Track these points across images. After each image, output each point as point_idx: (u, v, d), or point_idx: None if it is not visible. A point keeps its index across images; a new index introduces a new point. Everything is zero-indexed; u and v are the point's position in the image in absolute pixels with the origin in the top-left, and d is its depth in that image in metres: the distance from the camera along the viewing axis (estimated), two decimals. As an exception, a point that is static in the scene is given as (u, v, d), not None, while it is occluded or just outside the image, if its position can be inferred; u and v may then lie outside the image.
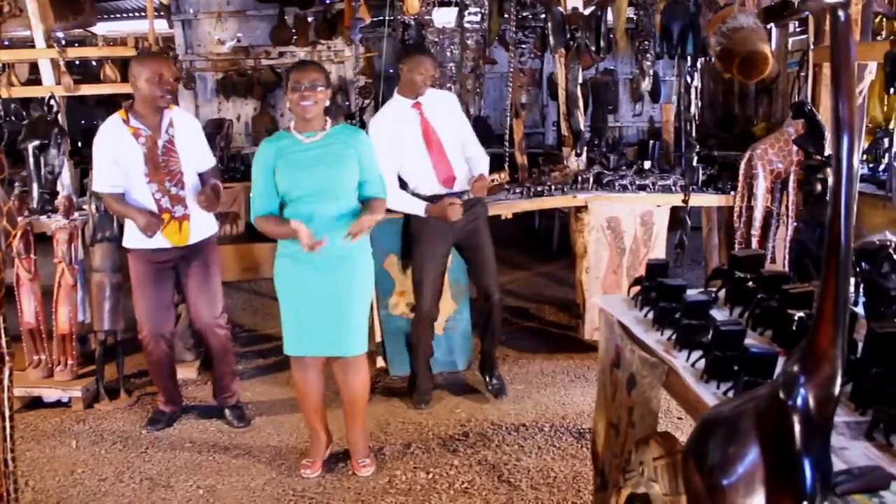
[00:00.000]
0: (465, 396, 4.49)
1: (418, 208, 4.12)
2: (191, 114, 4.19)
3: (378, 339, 4.72)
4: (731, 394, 2.01)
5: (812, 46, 4.58)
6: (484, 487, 3.51)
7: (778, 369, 1.99)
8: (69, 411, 4.38)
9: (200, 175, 4.02)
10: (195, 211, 3.93)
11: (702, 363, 2.17)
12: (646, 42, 4.78)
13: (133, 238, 3.95)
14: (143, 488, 3.57)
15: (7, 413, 2.59)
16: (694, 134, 4.66)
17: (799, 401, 1.44)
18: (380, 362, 4.78)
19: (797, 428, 1.44)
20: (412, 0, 4.94)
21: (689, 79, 4.41)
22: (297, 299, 3.44)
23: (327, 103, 3.41)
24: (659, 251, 4.84)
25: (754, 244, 4.71)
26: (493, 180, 4.21)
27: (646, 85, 4.99)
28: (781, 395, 1.46)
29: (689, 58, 4.59)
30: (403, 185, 4.26)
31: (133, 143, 3.82)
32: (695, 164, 4.66)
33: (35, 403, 4.46)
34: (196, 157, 3.99)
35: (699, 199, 5.01)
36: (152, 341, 4.00)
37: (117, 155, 3.84)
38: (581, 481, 3.55)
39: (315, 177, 3.33)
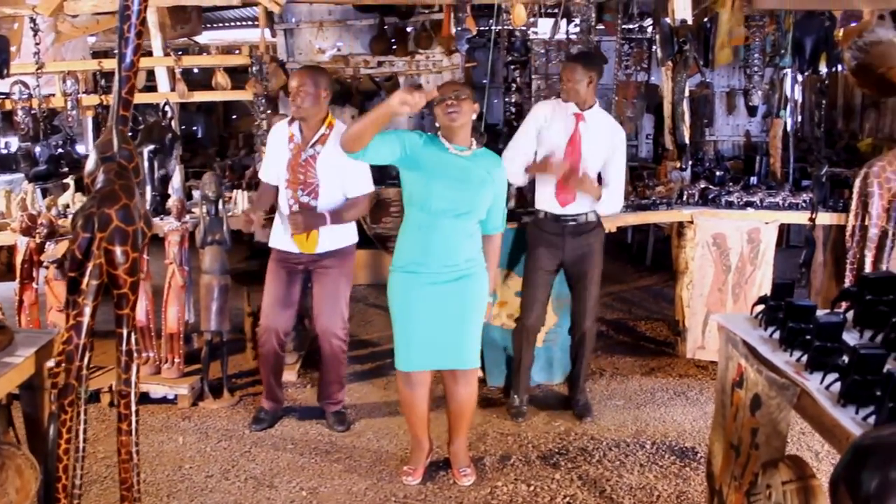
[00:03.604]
0: (564, 410, 4.45)
1: (519, 177, 4.17)
2: None
3: (476, 348, 4.72)
4: (871, 419, 1.94)
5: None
6: (586, 503, 3.46)
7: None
8: (175, 408, 4.51)
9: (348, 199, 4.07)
10: None
11: (837, 386, 2.10)
12: (774, 55, 4.66)
13: (272, 237, 4.17)
14: (247, 487, 3.64)
15: (134, 407, 2.68)
16: (823, 151, 4.52)
17: (973, 431, 1.37)
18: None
19: (970, 459, 1.38)
20: (519, 10, 4.94)
21: (818, 94, 4.27)
22: (413, 314, 3.43)
23: (473, 117, 3.40)
24: (766, 270, 4.71)
25: (868, 265, 4.54)
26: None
27: (757, 99, 4.88)
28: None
29: (813, 73, 4.45)
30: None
31: (285, 146, 4.01)
32: (823, 181, 4.51)
33: (142, 399, 4.59)
34: (342, 178, 4.00)
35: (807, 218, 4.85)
36: (265, 334, 4.12)
37: (276, 153, 4.06)
38: (686, 502, 3.47)
39: (455, 191, 3.33)
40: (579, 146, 4.08)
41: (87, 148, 8.30)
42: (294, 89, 3.89)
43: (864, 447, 1.59)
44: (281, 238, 4.11)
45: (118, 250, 2.46)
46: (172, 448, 4.03)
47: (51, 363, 2.66)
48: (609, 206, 4.15)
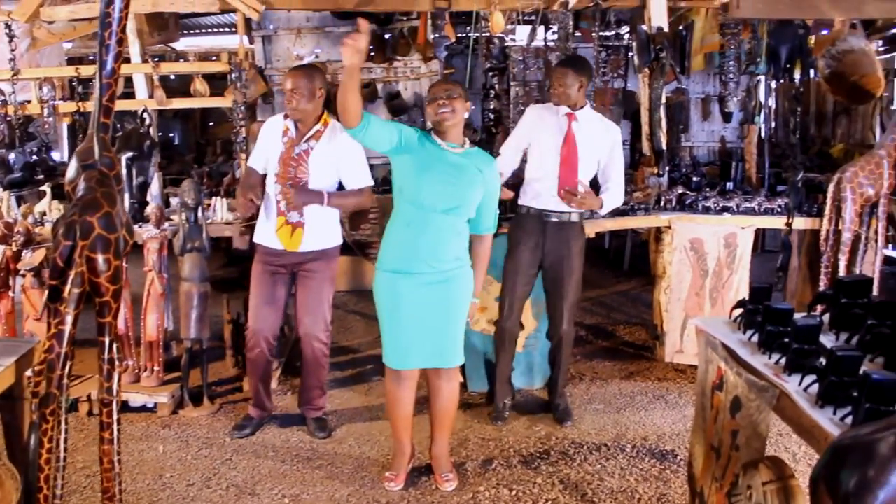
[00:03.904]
0: (544, 414, 4.47)
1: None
2: None
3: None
4: (848, 420, 1.97)
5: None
6: (568, 507, 3.50)
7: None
8: (154, 416, 4.47)
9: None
10: (312, 221, 4.02)
11: (815, 388, 2.14)
12: (750, 63, 4.74)
13: (257, 233, 4.14)
14: (229, 495, 3.63)
15: (116, 416, 2.68)
16: (799, 157, 4.60)
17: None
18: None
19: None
20: (497, 18, 4.98)
21: (792, 101, 4.35)
22: (400, 313, 3.46)
23: (466, 115, 3.46)
24: (743, 274, 4.78)
25: (841, 269, 4.62)
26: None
27: (733, 105, 4.96)
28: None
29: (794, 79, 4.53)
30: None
31: (279, 139, 4.02)
32: (799, 186, 4.58)
33: (121, 407, 4.53)
34: (336, 174, 4.05)
35: (782, 223, 4.93)
36: (254, 338, 4.12)
37: (268, 145, 4.06)
38: (667, 504, 3.51)
39: (447, 186, 3.37)
40: (574, 145, 4.13)
41: (62, 155, 8.23)
42: (288, 91, 3.91)
43: (843, 447, 1.62)
44: (265, 234, 4.09)
45: (100, 258, 2.45)
46: (153, 457, 4.01)
47: (28, 372, 2.65)
48: (611, 205, 4.27)
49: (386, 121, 3.49)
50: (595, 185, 4.28)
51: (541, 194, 4.19)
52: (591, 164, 4.21)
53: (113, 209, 2.50)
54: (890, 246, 4.98)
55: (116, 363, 2.63)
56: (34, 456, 2.46)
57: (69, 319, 2.45)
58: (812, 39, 4.08)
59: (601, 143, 4.20)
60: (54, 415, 2.46)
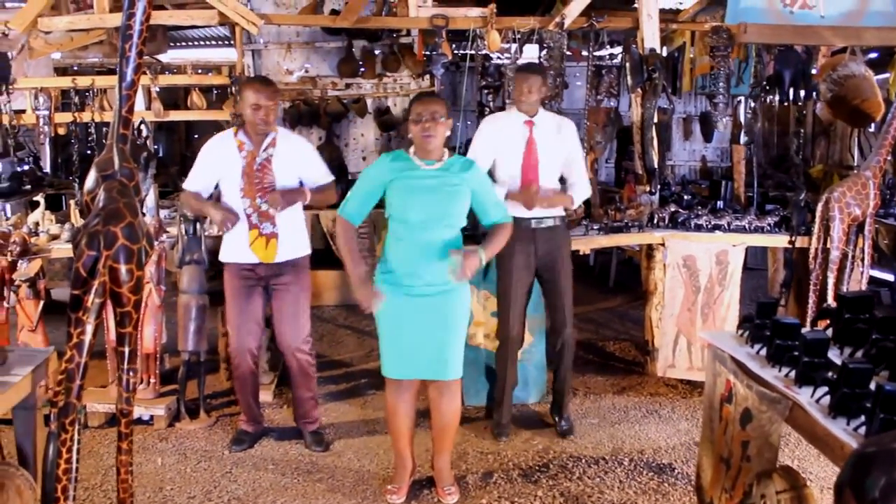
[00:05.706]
0: (540, 429, 4.51)
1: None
2: (300, 136, 4.29)
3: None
4: (862, 430, 2.05)
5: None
6: (570, 519, 3.54)
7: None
8: (151, 429, 4.46)
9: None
10: (284, 230, 4.04)
11: (827, 399, 2.21)
12: (757, 85, 4.85)
13: (226, 252, 4.09)
14: (231, 507, 3.64)
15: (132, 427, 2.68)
16: (802, 177, 4.71)
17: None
18: (454, 391, 4.82)
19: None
20: (493, 37, 5.06)
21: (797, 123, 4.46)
22: (397, 324, 3.50)
23: (448, 133, 3.51)
24: (734, 290, 4.86)
25: (830, 286, 4.73)
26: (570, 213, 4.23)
27: (724, 125, 5.08)
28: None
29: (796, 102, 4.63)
30: None
31: (236, 155, 3.99)
32: (802, 205, 4.68)
33: (116, 420, 4.54)
34: (298, 177, 4.08)
35: (773, 241, 5.04)
36: (238, 355, 4.11)
37: (221, 164, 4.02)
38: (666, 517, 3.56)
39: (429, 204, 3.42)
40: (536, 152, 4.19)
41: (44, 166, 8.16)
42: (258, 105, 3.89)
43: (868, 455, 1.68)
44: (237, 250, 4.05)
45: (123, 268, 2.47)
46: (151, 469, 4.00)
47: (42, 382, 2.65)
48: (581, 199, 4.37)
49: (358, 196, 3.53)
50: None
51: (517, 204, 4.19)
52: (554, 167, 4.27)
53: (135, 219, 2.53)
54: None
55: (133, 373, 2.64)
56: (52, 466, 2.46)
57: (90, 329, 2.46)
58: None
59: (560, 142, 4.26)
60: (73, 425, 2.46)
